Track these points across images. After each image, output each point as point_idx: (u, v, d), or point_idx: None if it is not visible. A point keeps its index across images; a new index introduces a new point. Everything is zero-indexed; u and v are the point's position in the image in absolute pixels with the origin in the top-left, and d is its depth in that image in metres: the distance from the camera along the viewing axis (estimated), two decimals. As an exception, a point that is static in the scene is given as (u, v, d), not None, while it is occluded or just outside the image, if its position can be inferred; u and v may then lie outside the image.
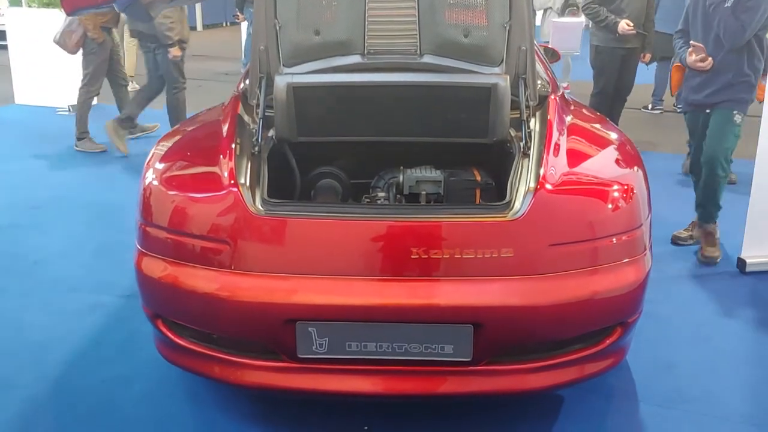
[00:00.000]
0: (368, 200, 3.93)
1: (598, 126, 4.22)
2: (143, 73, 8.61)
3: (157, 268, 3.43)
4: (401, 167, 4.14)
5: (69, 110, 9.85)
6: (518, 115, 3.68)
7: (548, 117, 3.91)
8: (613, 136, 4.06)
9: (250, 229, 3.28)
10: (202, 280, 3.30)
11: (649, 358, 4.21)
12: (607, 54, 7.77)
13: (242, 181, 3.40)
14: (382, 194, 4.07)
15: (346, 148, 4.16)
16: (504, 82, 3.80)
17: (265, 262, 3.25)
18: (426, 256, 3.19)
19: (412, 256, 3.19)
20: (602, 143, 3.97)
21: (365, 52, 3.95)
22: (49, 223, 6.16)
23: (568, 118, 4.06)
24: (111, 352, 4.24)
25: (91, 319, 4.59)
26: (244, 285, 3.24)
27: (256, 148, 3.71)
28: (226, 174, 3.42)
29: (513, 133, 3.92)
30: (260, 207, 3.32)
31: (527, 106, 3.90)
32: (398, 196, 4.05)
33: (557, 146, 3.63)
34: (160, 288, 3.44)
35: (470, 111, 3.88)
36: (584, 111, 4.44)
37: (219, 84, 12.82)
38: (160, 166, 3.67)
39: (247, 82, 4.11)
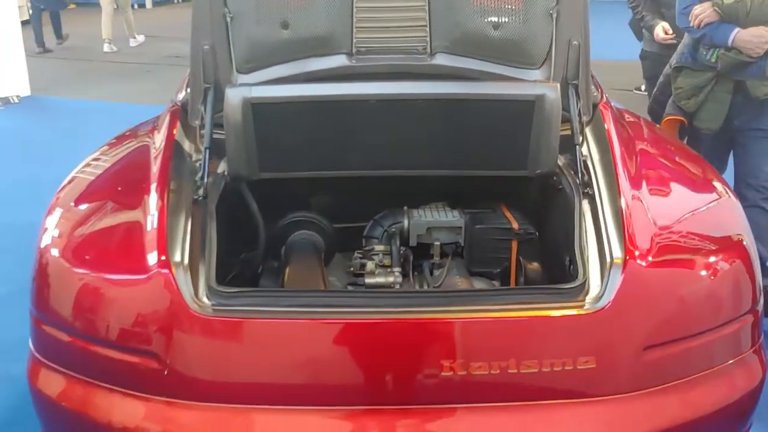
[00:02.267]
0: (363, 265, 2.79)
1: (674, 151, 3.10)
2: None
3: (57, 385, 2.29)
4: (405, 207, 3.01)
5: None
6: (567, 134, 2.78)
7: (607, 137, 2.79)
8: (697, 166, 2.95)
9: (190, 335, 2.15)
10: (119, 410, 2.18)
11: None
12: (652, 61, 5.93)
13: (177, 256, 2.24)
14: (380, 248, 2.94)
15: (327, 185, 3.01)
16: (553, 93, 2.67)
17: (214, 388, 2.12)
18: (464, 373, 2.09)
19: (444, 373, 2.09)
20: (687, 178, 2.87)
21: (353, 50, 2.80)
22: None
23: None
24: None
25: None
26: (183, 421, 2.11)
27: (201, 192, 2.55)
28: (151, 244, 2.25)
29: (560, 160, 2.79)
30: (205, 300, 2.18)
31: (581, 124, 2.77)
32: (402, 249, 2.92)
33: (634, 184, 2.52)
34: (62, 416, 2.29)
35: (503, 134, 2.77)
36: (644, 126, 3.33)
37: (170, 69, 11.47)
38: (61, 228, 2.49)
39: (188, 91, 2.92)
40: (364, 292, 2.27)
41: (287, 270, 2.67)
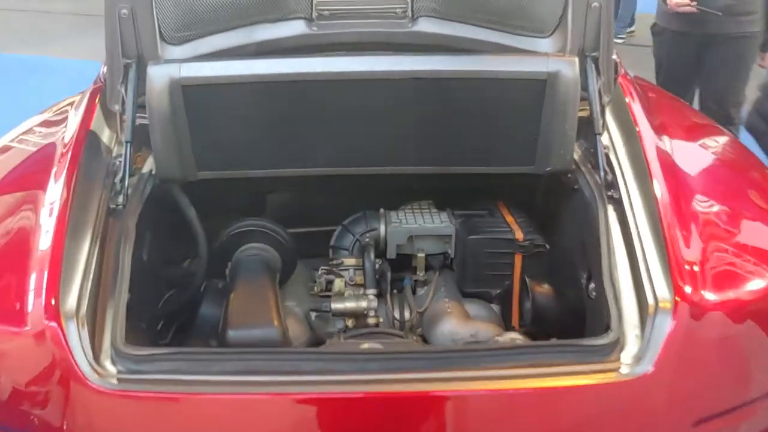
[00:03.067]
0: (330, 283, 2.24)
1: (718, 143, 2.50)
2: None
3: None
4: (381, 210, 2.44)
5: None
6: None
7: (633, 122, 2.23)
8: (748, 160, 2.38)
9: (86, 415, 1.57)
10: None
11: None
12: (668, 40, 4.33)
13: (71, 302, 1.66)
14: (350, 261, 2.37)
15: (284, 182, 2.42)
16: (570, 70, 2.09)
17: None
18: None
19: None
20: (742, 178, 2.29)
21: (314, 15, 2.20)
22: None
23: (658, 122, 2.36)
24: None
25: None
26: None
27: (119, 199, 1.99)
28: (37, 282, 1.67)
29: (576, 154, 2.22)
30: (109, 365, 1.61)
31: (602, 107, 2.19)
32: (378, 262, 2.35)
33: (674, 185, 1.96)
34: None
35: (505, 121, 2.20)
36: (676, 105, 2.73)
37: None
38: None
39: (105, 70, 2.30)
40: (325, 354, 1.70)
41: (230, 298, 2.10)
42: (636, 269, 1.81)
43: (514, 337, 2.11)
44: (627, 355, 1.63)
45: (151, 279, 2.34)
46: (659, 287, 1.70)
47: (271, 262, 2.24)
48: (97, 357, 1.61)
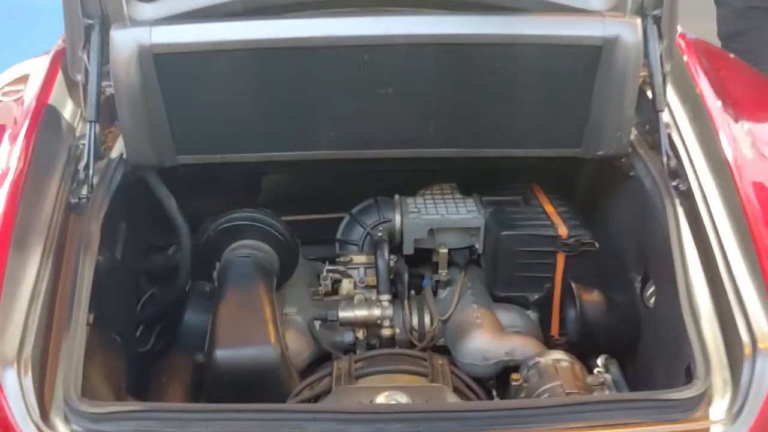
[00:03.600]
0: (337, 283, 1.92)
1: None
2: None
3: None
4: (396, 196, 2.07)
5: None
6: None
7: (699, 93, 1.86)
8: None
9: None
10: None
11: None
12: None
13: (10, 342, 1.33)
14: (360, 259, 2.02)
15: (279, 165, 2.04)
16: (632, 34, 1.71)
17: None
18: None
19: None
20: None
21: None
22: None
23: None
24: None
25: None
26: None
27: (83, 191, 1.70)
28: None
29: (633, 134, 1.85)
30: (59, 425, 1.28)
31: (664, 77, 1.81)
32: (393, 259, 1.99)
33: (761, 180, 1.60)
34: None
35: (548, 95, 1.82)
36: (747, 71, 2.31)
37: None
38: None
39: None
40: (334, 413, 1.34)
41: (218, 309, 1.75)
42: (718, 289, 1.45)
43: (560, 358, 1.77)
44: (717, 410, 1.28)
45: (128, 279, 2.00)
46: (756, 317, 1.35)
47: (266, 264, 1.88)
48: (44, 414, 1.27)
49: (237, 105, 1.79)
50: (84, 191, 1.72)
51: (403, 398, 1.42)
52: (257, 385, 1.71)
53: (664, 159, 1.78)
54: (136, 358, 1.95)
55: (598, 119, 1.79)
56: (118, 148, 1.87)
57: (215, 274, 1.92)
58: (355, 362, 1.72)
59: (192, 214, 2.26)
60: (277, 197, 2.28)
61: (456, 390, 1.66)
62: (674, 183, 1.73)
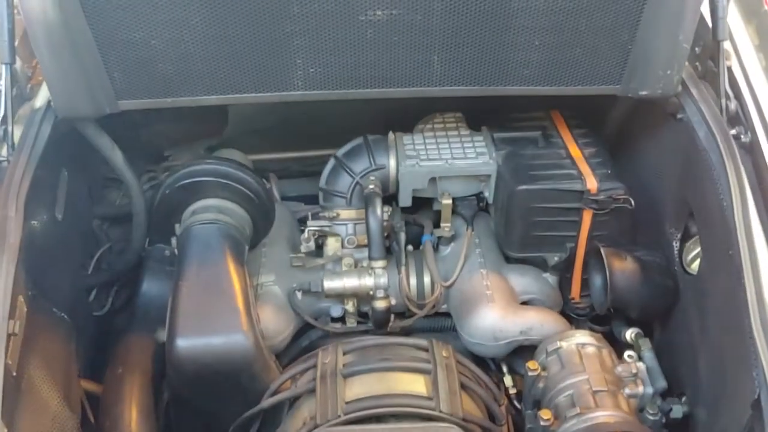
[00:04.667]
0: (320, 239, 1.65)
1: None
2: None
3: None
4: (390, 135, 1.75)
5: None
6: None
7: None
8: None
9: None
10: None
11: None
12: None
13: None
14: (347, 213, 1.73)
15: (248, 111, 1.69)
16: None
17: None
18: None
19: None
20: None
21: None
22: None
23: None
24: None
25: None
26: None
27: (3, 151, 1.45)
28: None
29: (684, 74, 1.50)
30: None
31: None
32: (387, 211, 1.68)
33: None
34: None
35: (584, 24, 1.44)
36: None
37: None
38: None
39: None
40: None
41: (178, 289, 1.45)
42: None
43: (585, 341, 1.50)
44: None
45: (75, 238, 1.70)
46: None
47: (235, 231, 1.56)
48: None
49: (187, 36, 1.41)
50: (3, 152, 1.39)
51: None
52: (228, 381, 1.44)
53: (723, 101, 1.44)
54: (92, 327, 1.68)
55: (644, 53, 1.43)
56: (45, 92, 1.51)
57: (174, 242, 1.60)
58: (344, 354, 1.45)
59: (149, 141, 1.93)
60: (248, 129, 1.93)
61: (464, 387, 1.40)
62: (734, 132, 1.41)
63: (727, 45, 1.50)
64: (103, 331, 1.73)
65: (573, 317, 1.72)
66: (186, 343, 1.42)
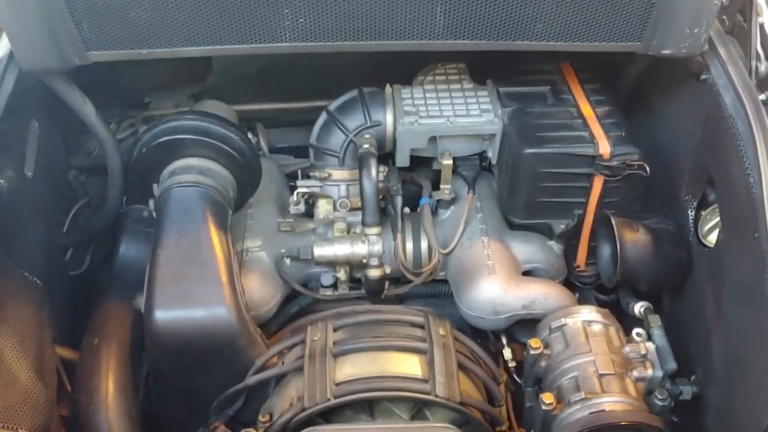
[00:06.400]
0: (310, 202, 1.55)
1: None
2: None
3: None
4: (387, 88, 1.61)
5: None
6: None
7: None
8: None
9: None
10: None
11: None
12: None
13: None
14: (340, 173, 1.62)
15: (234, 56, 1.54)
16: None
17: None
18: None
19: None
20: None
21: None
22: None
23: None
24: None
25: None
26: None
27: None
28: None
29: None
30: None
31: None
32: (383, 171, 1.57)
33: None
34: None
35: None
36: None
37: None
38: None
39: None
40: None
41: (156, 257, 1.34)
42: None
43: (591, 318, 1.40)
44: None
45: (48, 194, 1.58)
46: None
47: (217, 194, 1.44)
48: None
49: None
50: None
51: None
52: (210, 356, 1.36)
53: (753, 63, 1.32)
54: (70, 288, 1.58)
55: (670, 8, 1.29)
56: (5, 42, 1.37)
57: (152, 203, 1.48)
58: (334, 330, 1.35)
59: (129, 85, 1.79)
60: (234, 75, 1.79)
61: (462, 367, 1.32)
62: (763, 96, 1.29)
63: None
64: (83, 291, 1.64)
65: (577, 285, 1.63)
66: (165, 316, 1.32)
